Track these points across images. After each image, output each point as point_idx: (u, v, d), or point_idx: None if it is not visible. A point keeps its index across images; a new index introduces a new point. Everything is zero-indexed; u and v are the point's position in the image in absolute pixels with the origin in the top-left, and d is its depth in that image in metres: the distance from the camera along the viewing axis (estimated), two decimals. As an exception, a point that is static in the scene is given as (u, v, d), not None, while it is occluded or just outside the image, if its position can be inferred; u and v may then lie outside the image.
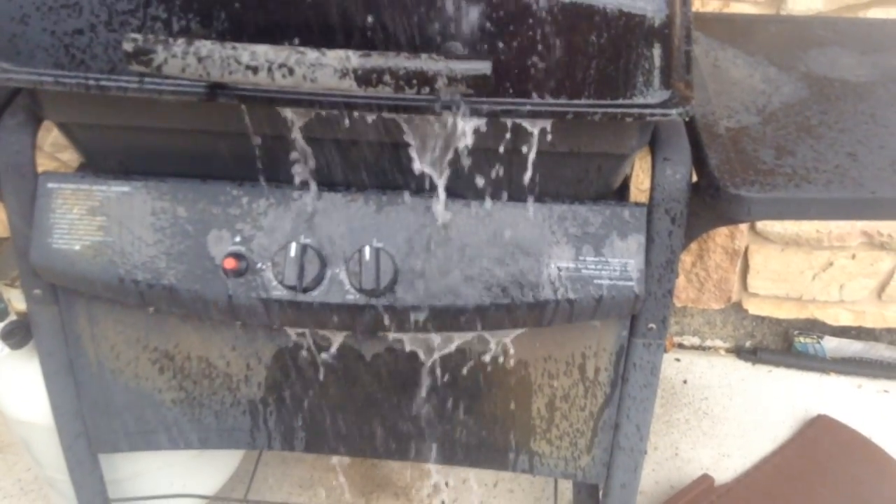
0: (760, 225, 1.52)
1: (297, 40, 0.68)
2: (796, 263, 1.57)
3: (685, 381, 1.71)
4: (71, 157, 1.49)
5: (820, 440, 1.56)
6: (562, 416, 0.95)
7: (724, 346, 1.79)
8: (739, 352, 1.76)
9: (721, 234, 1.54)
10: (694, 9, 1.25)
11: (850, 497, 1.45)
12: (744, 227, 1.53)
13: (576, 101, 0.71)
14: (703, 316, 1.75)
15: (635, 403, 0.92)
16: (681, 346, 1.80)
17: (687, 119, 0.73)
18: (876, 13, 1.29)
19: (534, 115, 0.71)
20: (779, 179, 0.76)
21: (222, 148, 0.81)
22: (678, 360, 1.77)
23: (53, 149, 1.46)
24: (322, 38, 0.69)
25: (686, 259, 1.61)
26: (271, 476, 1.47)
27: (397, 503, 1.44)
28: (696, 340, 1.79)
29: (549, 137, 0.74)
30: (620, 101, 0.72)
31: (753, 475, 1.50)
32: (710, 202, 0.78)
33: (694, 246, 1.58)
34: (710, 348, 1.79)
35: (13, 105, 0.82)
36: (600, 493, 1.27)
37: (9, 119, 0.82)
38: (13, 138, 0.82)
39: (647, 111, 0.72)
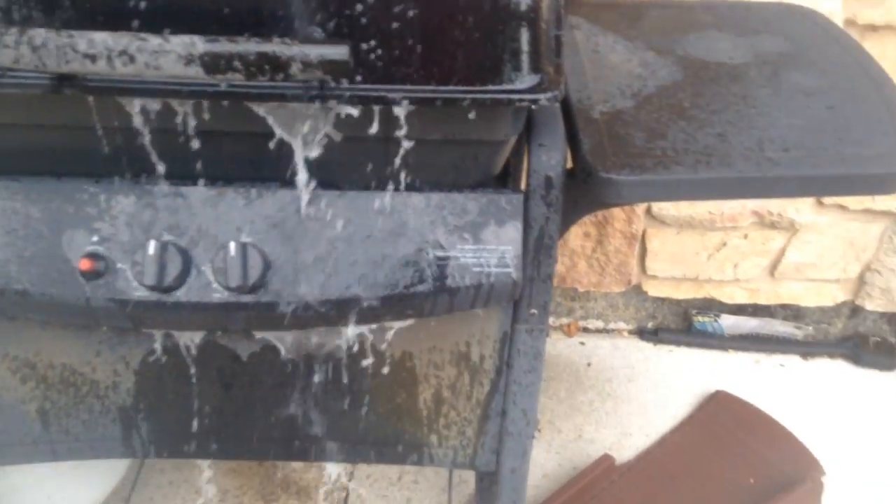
0: (656, 209, 1.54)
1: (143, 27, 0.63)
2: (691, 245, 1.60)
3: (589, 364, 1.73)
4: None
5: (718, 415, 1.60)
6: (450, 405, 0.94)
7: (626, 328, 1.81)
8: (641, 333, 1.79)
9: (619, 218, 1.56)
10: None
11: (746, 468, 1.49)
12: (640, 211, 1.55)
13: (442, 88, 0.69)
14: (605, 299, 1.76)
15: (521, 389, 0.91)
16: (585, 329, 1.82)
17: (556, 104, 0.72)
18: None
19: (396, 102, 0.68)
20: (649, 162, 0.76)
21: (76, 143, 0.76)
22: (583, 343, 1.78)
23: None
24: (172, 24, 0.64)
25: (587, 245, 1.62)
26: (166, 482, 1.42)
27: (298, 502, 1.41)
28: (599, 324, 1.81)
29: (416, 125, 0.72)
30: (488, 87, 0.70)
31: (653, 453, 1.52)
32: (584, 187, 0.78)
33: (593, 231, 1.60)
34: (613, 331, 1.81)
35: None
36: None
37: None
38: None
39: (516, 96, 0.70)
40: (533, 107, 0.72)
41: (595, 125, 0.81)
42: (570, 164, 0.82)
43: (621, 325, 1.81)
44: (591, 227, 1.58)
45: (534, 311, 0.86)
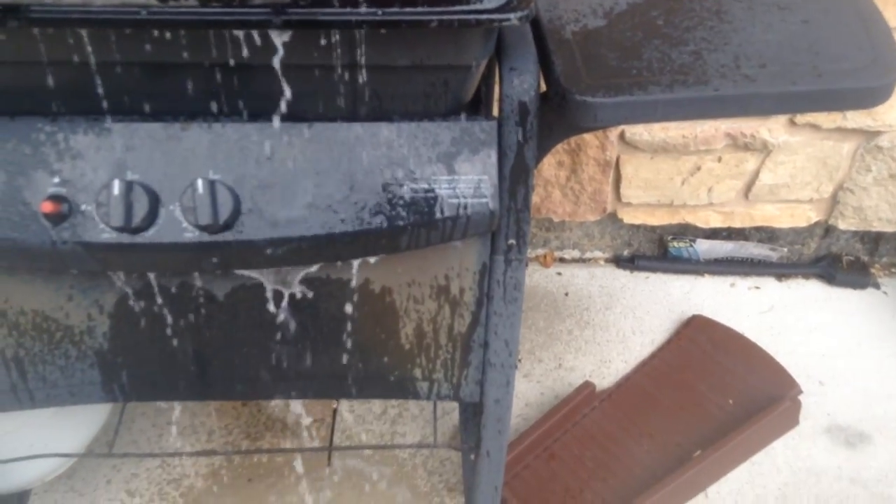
0: (629, 134, 1.53)
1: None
2: (665, 170, 1.59)
3: (567, 294, 1.74)
4: None
5: (695, 339, 1.62)
6: (431, 339, 0.94)
7: (603, 257, 1.82)
8: (618, 261, 1.80)
9: (592, 146, 1.54)
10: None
11: (724, 389, 1.52)
12: (613, 137, 1.54)
13: (407, 10, 0.67)
14: (581, 229, 1.76)
15: (502, 320, 0.91)
16: (562, 260, 1.82)
17: (527, 23, 0.70)
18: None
19: (359, 26, 0.66)
20: (624, 83, 0.75)
21: (27, 80, 0.72)
22: (560, 273, 1.79)
23: None
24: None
25: (560, 174, 1.61)
26: (150, 427, 1.42)
27: (285, 440, 1.42)
28: (576, 253, 1.81)
29: (382, 50, 0.70)
30: (455, 8, 0.68)
31: (633, 378, 1.55)
32: (558, 111, 0.76)
33: (567, 160, 1.58)
34: (589, 260, 1.82)
35: None
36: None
37: None
38: None
39: (485, 16, 0.68)
40: (504, 26, 0.70)
41: (567, 46, 0.79)
42: (543, 88, 0.80)
43: (597, 253, 1.82)
44: (565, 155, 1.57)
45: (512, 241, 0.85)
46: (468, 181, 0.79)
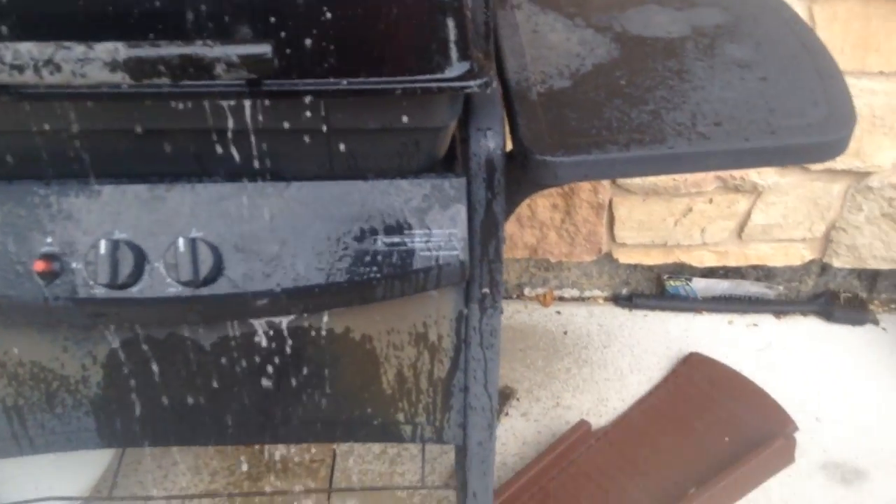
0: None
1: (65, 35, 0.65)
2: (658, 212, 1.62)
3: (566, 333, 1.76)
4: None
5: (692, 377, 1.63)
6: (413, 384, 0.97)
7: (601, 296, 1.84)
8: (616, 299, 1.82)
9: (585, 189, 1.58)
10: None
11: (720, 428, 1.53)
12: (605, 181, 1.57)
13: (371, 80, 0.71)
14: (579, 268, 1.79)
15: (480, 365, 0.94)
16: (561, 298, 1.85)
17: (489, 91, 0.74)
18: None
19: (326, 96, 0.70)
20: (583, 142, 0.78)
21: (19, 148, 0.78)
22: (559, 312, 1.81)
23: None
24: (99, 30, 0.66)
25: (555, 216, 1.65)
26: (155, 468, 1.46)
27: (286, 481, 1.45)
28: (575, 292, 1.84)
29: (351, 116, 0.74)
30: (418, 77, 0.72)
31: (629, 416, 1.56)
32: (522, 169, 0.80)
33: (561, 202, 1.62)
34: (588, 298, 1.85)
35: None
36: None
37: None
38: None
39: (446, 84, 0.72)
40: (464, 93, 0.74)
41: (532, 106, 0.83)
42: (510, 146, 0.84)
43: (596, 292, 1.85)
44: (559, 198, 1.60)
45: (486, 290, 0.88)
46: (440, 234, 0.83)
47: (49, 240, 0.80)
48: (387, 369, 0.96)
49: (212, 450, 1.49)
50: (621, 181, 1.56)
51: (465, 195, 0.83)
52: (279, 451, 1.49)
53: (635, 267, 1.79)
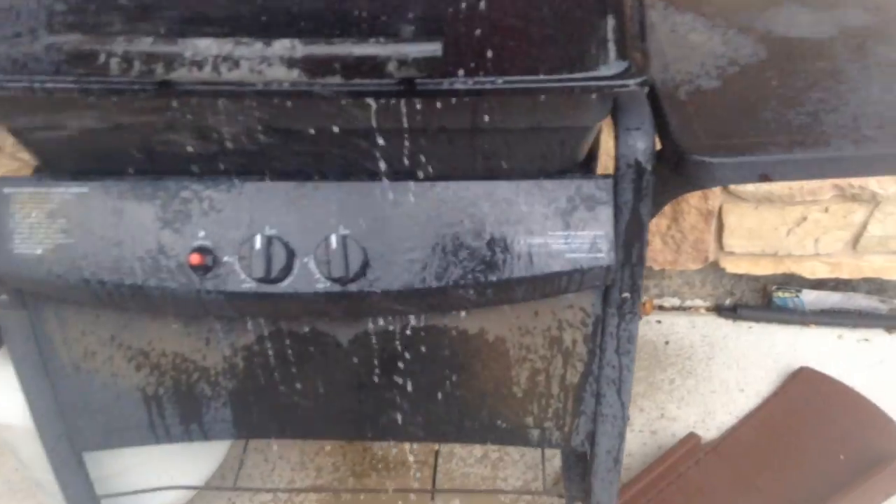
0: (733, 185, 1.53)
1: (243, 32, 0.66)
2: (770, 220, 1.58)
3: (667, 342, 1.73)
4: (8, 163, 1.46)
5: (802, 392, 1.58)
6: (544, 388, 0.96)
7: (704, 306, 1.80)
8: (720, 310, 1.78)
9: (694, 195, 1.54)
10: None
11: (834, 446, 1.48)
12: (716, 187, 1.53)
13: (532, 78, 0.71)
14: (681, 277, 1.76)
15: (615, 372, 0.93)
16: (661, 307, 1.81)
17: (646, 89, 0.73)
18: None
19: (488, 94, 0.70)
20: (741, 143, 0.76)
21: (180, 143, 0.79)
22: (659, 322, 1.78)
23: (15, 149, 1.44)
24: (269, 28, 0.67)
25: (661, 222, 1.62)
26: (262, 462, 1.48)
27: (388, 480, 1.46)
28: (676, 301, 1.80)
29: (506, 115, 0.74)
30: (577, 75, 0.71)
31: (739, 431, 1.52)
32: (674, 170, 0.78)
33: (668, 209, 1.59)
34: (690, 308, 1.80)
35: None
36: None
37: (-42, 125, 0.80)
38: (-35, 144, 0.80)
39: (605, 83, 0.71)
40: (622, 92, 0.73)
41: (682, 107, 0.82)
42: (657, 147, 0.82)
43: (698, 302, 1.80)
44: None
45: (626, 294, 0.87)
46: (584, 237, 0.82)
47: (202, 234, 0.81)
48: (518, 372, 0.95)
49: (316, 446, 1.50)
50: (733, 187, 1.52)
51: (612, 197, 0.82)
52: (382, 450, 1.49)
53: (740, 277, 1.74)
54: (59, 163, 0.82)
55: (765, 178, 0.76)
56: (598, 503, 1.04)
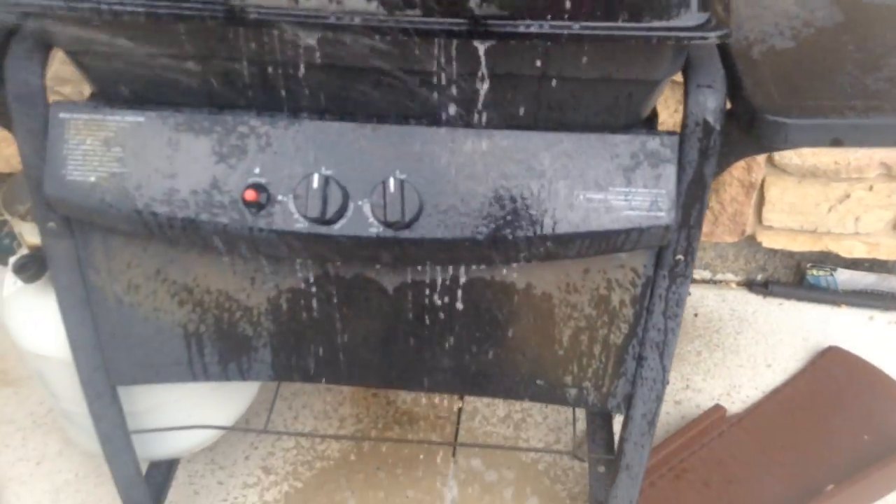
0: (778, 157, 1.50)
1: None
2: (812, 195, 1.55)
3: (696, 315, 1.71)
4: (72, 91, 1.45)
5: (831, 371, 1.57)
6: (586, 347, 0.95)
7: (735, 280, 1.78)
8: (751, 285, 1.76)
9: (738, 166, 1.52)
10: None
11: (859, 426, 1.47)
12: (761, 159, 1.51)
13: (610, 24, 0.68)
14: (714, 249, 1.74)
15: (660, 335, 0.92)
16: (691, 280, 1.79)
17: (725, 42, 0.70)
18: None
19: (562, 39, 0.68)
20: (816, 105, 0.74)
21: (240, 76, 0.78)
22: (689, 293, 1.76)
23: (54, 82, 1.42)
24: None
25: (701, 191, 1.59)
26: (286, 409, 1.48)
27: (411, 432, 1.46)
28: (706, 274, 1.79)
29: (577, 63, 0.72)
30: (655, 24, 0.69)
31: (764, 406, 1.51)
32: (745, 130, 0.76)
33: (709, 178, 1.56)
34: (720, 282, 1.79)
35: (21, 32, 0.79)
36: (613, 420, 1.29)
37: (17, 47, 0.79)
38: (22, 67, 0.79)
39: (685, 34, 0.69)
40: (702, 44, 0.70)
41: (755, 66, 0.79)
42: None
43: (729, 276, 1.79)
44: (709, 174, 1.54)
45: (680, 256, 0.85)
46: (645, 194, 0.80)
47: (257, 170, 0.80)
48: (561, 329, 0.94)
49: (340, 397, 1.51)
50: (778, 160, 1.49)
51: (677, 155, 0.80)
52: (405, 404, 1.49)
53: (774, 252, 1.72)
54: (116, 90, 0.80)
55: (837, 142, 0.74)
56: (627, 465, 1.04)
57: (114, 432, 1.07)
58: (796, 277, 1.75)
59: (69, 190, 0.81)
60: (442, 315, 0.92)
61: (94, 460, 1.37)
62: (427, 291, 0.89)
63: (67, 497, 1.35)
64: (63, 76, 1.43)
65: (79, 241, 0.88)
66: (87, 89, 0.86)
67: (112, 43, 0.73)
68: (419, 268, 0.87)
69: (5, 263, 1.61)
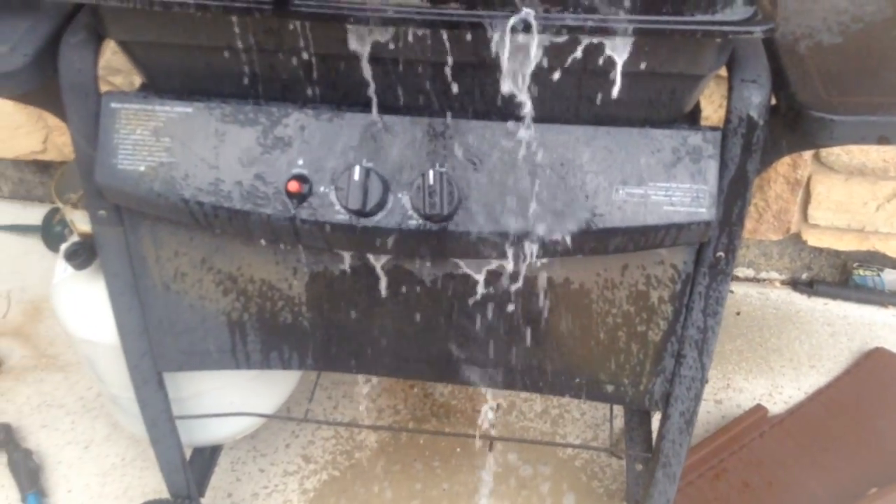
0: (825, 154, 1.47)
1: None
2: (860, 194, 1.52)
3: (738, 313, 1.69)
4: (123, 82, 1.49)
5: (876, 372, 1.54)
6: (624, 343, 0.94)
7: (779, 279, 1.76)
8: (795, 284, 1.73)
9: (783, 163, 1.50)
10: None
11: (905, 430, 1.44)
12: (807, 156, 1.48)
13: (655, 17, 0.68)
14: (758, 247, 1.71)
15: (699, 333, 0.91)
16: (734, 277, 1.77)
17: (771, 37, 0.70)
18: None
19: (615, 33, 0.68)
20: (863, 102, 0.73)
21: (287, 68, 0.79)
22: (732, 291, 1.74)
23: (105, 72, 1.46)
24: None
25: (745, 188, 1.57)
26: (325, 399, 1.50)
27: (448, 425, 1.47)
28: (750, 272, 1.76)
29: (626, 56, 0.71)
30: (701, 18, 0.69)
31: (807, 407, 1.49)
32: (790, 126, 0.75)
33: (754, 175, 1.54)
34: (764, 280, 1.76)
35: (74, 23, 0.81)
36: (652, 418, 1.28)
37: (70, 37, 0.81)
38: (75, 57, 0.81)
39: (730, 29, 0.68)
40: (748, 38, 0.70)
41: (801, 61, 0.78)
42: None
43: (773, 274, 1.76)
44: (754, 171, 1.52)
45: (721, 254, 0.85)
46: (686, 190, 0.80)
47: (301, 161, 0.81)
48: (599, 326, 0.94)
49: (378, 387, 1.52)
50: (825, 157, 1.46)
51: (719, 150, 0.79)
52: (442, 398, 1.50)
53: (820, 251, 1.69)
54: (165, 81, 0.83)
55: (884, 140, 0.73)
56: (665, 464, 1.03)
57: (159, 417, 1.10)
58: (842, 277, 1.72)
59: (119, 179, 0.83)
60: (479, 308, 0.92)
61: (140, 445, 1.41)
62: (465, 284, 0.90)
63: (114, 480, 1.38)
64: (114, 66, 1.47)
65: (128, 229, 0.91)
66: (137, 79, 0.88)
67: (163, 34, 0.75)
68: (458, 261, 0.88)
69: (56, 251, 1.66)
